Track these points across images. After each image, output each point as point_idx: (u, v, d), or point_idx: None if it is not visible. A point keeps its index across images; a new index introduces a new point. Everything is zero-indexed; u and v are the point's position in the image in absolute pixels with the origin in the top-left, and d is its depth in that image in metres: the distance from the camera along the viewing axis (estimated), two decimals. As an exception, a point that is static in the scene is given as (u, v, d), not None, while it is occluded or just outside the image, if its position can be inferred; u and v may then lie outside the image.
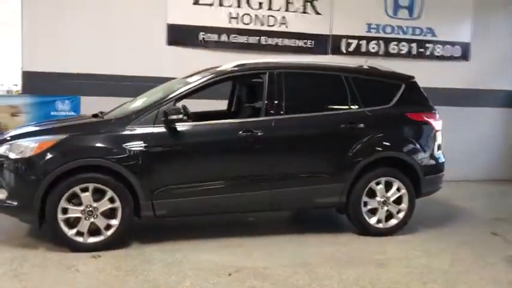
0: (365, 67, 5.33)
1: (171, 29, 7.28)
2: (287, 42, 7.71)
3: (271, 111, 4.69)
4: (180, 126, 4.44)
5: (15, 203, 4.16)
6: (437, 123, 5.21)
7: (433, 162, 5.17)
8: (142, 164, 4.28)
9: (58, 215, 4.15)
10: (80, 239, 4.23)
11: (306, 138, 4.79)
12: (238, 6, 7.47)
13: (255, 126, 4.60)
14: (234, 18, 7.48)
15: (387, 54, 8.10)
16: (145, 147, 4.30)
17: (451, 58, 8.40)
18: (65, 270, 3.83)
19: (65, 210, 4.17)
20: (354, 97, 4.95)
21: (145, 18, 7.22)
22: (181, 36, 7.33)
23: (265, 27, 7.60)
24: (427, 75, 8.10)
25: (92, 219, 4.22)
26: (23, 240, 4.47)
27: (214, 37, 7.43)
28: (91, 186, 4.21)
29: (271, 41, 7.65)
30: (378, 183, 4.92)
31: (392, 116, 5.05)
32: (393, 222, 5.01)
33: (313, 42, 7.80)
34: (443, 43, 8.32)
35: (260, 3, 7.54)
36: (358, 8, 7.91)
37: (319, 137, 4.83)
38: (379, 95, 5.10)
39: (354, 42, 7.97)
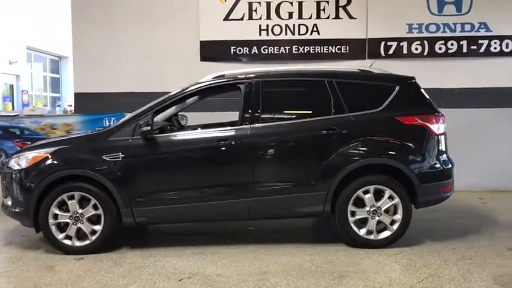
0: (355, 70, 5.09)
1: (204, 45, 7.63)
2: (320, 49, 7.60)
3: (248, 121, 4.72)
4: (158, 138, 4.70)
5: (17, 209, 4.73)
6: (437, 127, 4.79)
7: (433, 168, 4.75)
8: (120, 173, 4.60)
9: (49, 220, 4.62)
10: (68, 242, 4.65)
11: (283, 145, 4.74)
12: (268, 18, 7.57)
13: (230, 135, 4.68)
14: (264, 30, 7.59)
15: (433, 54, 7.56)
16: (123, 157, 4.61)
17: None
18: (43, 269, 4.27)
19: (55, 216, 4.64)
20: (338, 102, 4.76)
21: (181, 37, 7.67)
22: (213, 51, 7.64)
23: (296, 36, 7.60)
24: (483, 73, 7.55)
25: (78, 225, 4.64)
26: (32, 242, 5.01)
27: (245, 50, 7.62)
28: (77, 194, 4.62)
29: (304, 50, 7.61)
30: (366, 192, 4.66)
31: (380, 120, 4.75)
32: (386, 233, 4.70)
33: (347, 47, 7.58)
34: (502, 38, 7.52)
35: (290, 13, 7.56)
36: (396, 8, 7.53)
37: (298, 145, 4.74)
38: (368, 99, 4.84)
39: (394, 44, 7.57)
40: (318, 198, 4.66)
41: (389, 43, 7.58)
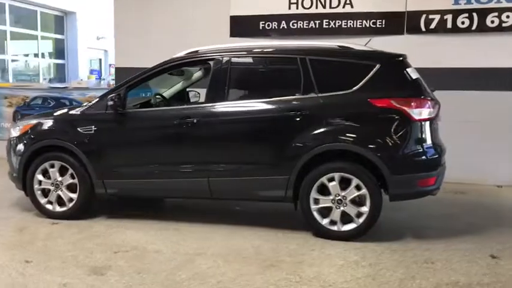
0: (333, 47, 4.65)
1: (233, 20, 7.52)
2: (353, 23, 7.06)
3: (213, 99, 4.60)
4: (128, 113, 4.80)
5: (13, 174, 5.17)
6: (418, 111, 4.22)
7: (408, 158, 4.23)
8: (92, 145, 4.79)
9: (34, 186, 4.99)
10: (50, 207, 5.00)
11: (245, 126, 4.54)
12: (298, -10, 7.21)
13: (192, 113, 4.61)
14: (293, 3, 7.24)
15: (484, 29, 6.61)
16: (95, 130, 4.79)
17: None
18: (15, 230, 4.66)
19: (40, 182, 4.99)
20: (308, 82, 4.41)
21: (212, 13, 7.64)
22: (243, 27, 7.49)
23: (327, 10, 7.13)
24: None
25: (58, 192, 4.95)
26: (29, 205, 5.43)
27: (274, 25, 7.36)
28: (56, 163, 4.92)
29: (335, 24, 7.13)
30: (331, 179, 4.31)
31: (351, 102, 4.32)
32: (351, 226, 4.32)
33: (383, 21, 6.94)
34: None
35: (321, -15, 7.11)
36: (440, -24, 6.69)
37: (261, 125, 4.50)
38: (343, 78, 4.42)
39: (436, 17, 6.76)
40: (278, 182, 4.42)
41: (431, 16, 6.78)
